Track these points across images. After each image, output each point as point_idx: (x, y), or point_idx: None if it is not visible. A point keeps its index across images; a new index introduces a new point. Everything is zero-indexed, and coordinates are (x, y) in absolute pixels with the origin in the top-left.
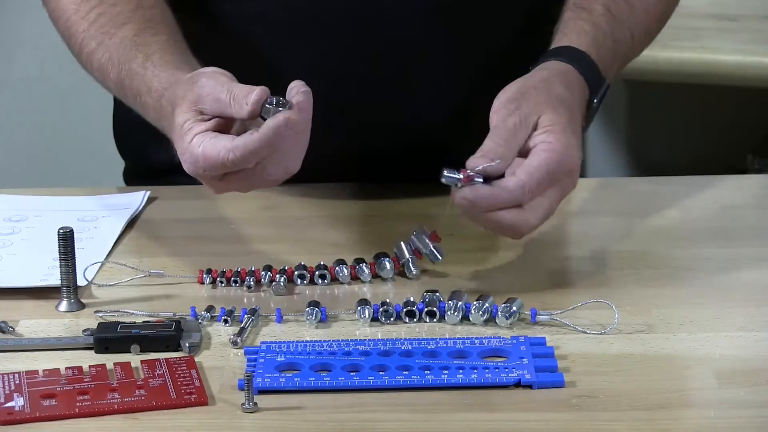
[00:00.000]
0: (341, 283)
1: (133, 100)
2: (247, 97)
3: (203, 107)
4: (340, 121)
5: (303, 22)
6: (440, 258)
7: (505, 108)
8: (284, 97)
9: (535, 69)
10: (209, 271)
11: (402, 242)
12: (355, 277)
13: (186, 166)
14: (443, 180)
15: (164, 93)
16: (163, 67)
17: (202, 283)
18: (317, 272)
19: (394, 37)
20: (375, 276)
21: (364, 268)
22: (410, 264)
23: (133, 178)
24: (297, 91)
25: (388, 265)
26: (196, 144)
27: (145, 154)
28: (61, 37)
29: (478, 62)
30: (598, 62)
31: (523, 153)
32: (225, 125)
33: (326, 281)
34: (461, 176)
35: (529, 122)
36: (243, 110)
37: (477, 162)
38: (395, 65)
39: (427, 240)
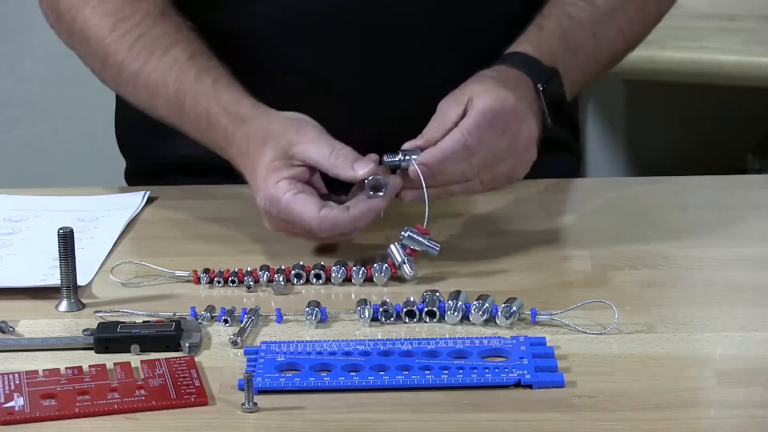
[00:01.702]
0: (334, 284)
1: (194, 119)
2: (354, 164)
3: (296, 153)
4: (340, 121)
5: (304, 24)
6: (438, 248)
7: (443, 100)
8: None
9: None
10: (206, 271)
11: (393, 246)
12: (348, 279)
13: (260, 201)
14: (384, 164)
15: (252, 121)
16: (237, 93)
17: (198, 283)
18: (313, 272)
19: (395, 40)
20: (369, 280)
21: (360, 271)
22: (406, 266)
23: (135, 178)
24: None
25: (384, 269)
26: (282, 189)
27: (147, 153)
28: (81, 52)
29: (480, 63)
30: (538, 56)
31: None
32: (308, 174)
33: (321, 281)
34: (399, 157)
35: (458, 99)
36: (347, 173)
37: (411, 143)
38: (396, 67)
39: (418, 237)
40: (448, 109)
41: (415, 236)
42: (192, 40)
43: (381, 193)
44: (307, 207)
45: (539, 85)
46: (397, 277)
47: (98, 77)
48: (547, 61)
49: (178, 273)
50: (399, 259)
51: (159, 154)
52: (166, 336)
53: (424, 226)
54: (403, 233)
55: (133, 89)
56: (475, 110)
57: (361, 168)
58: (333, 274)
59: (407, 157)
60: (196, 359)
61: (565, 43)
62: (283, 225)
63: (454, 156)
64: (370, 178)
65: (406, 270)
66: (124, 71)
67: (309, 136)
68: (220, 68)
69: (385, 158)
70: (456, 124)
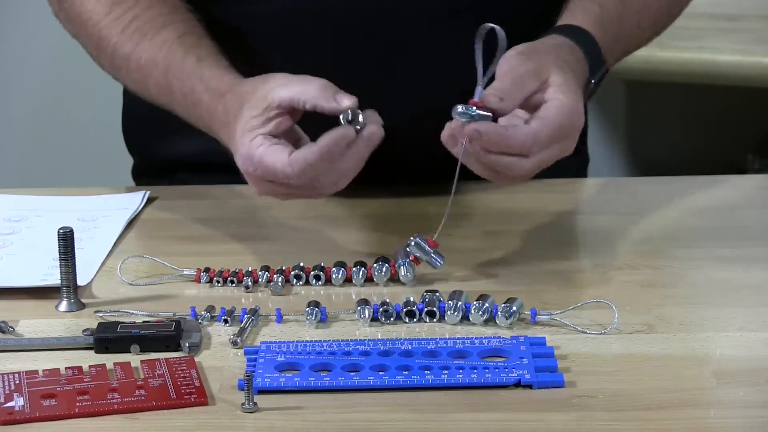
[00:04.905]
0: (334, 285)
1: (181, 99)
2: (336, 95)
3: (271, 99)
4: None
5: (306, 24)
6: (441, 263)
7: (515, 59)
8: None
9: (544, 37)
10: (207, 270)
11: (398, 250)
12: (349, 280)
13: (239, 162)
14: (456, 115)
15: (228, 92)
16: (219, 70)
17: (199, 281)
18: (312, 273)
19: (399, 40)
20: (370, 280)
21: (360, 272)
22: (404, 270)
23: (141, 176)
24: (372, 119)
25: (384, 270)
26: (256, 144)
27: (153, 150)
28: (81, 39)
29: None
30: (600, 44)
31: (531, 107)
32: (288, 122)
33: (320, 282)
34: (474, 111)
35: (539, 74)
36: (329, 104)
37: (487, 96)
38: (400, 68)
39: (426, 247)
40: (525, 75)
41: (421, 245)
42: (185, 20)
43: (357, 127)
44: (277, 156)
45: (592, 81)
46: (397, 278)
47: (96, 63)
48: (604, 51)
49: (186, 271)
50: (399, 261)
51: (164, 152)
52: (166, 336)
53: (434, 239)
54: (410, 240)
55: (126, 72)
56: (551, 120)
57: (344, 99)
58: (333, 276)
59: (476, 112)
60: (196, 359)
61: (619, 27)
62: (266, 185)
63: (512, 148)
64: (348, 110)
65: (402, 272)
66: (117, 54)
67: (277, 81)
68: (208, 46)
69: (459, 108)
70: (528, 94)
